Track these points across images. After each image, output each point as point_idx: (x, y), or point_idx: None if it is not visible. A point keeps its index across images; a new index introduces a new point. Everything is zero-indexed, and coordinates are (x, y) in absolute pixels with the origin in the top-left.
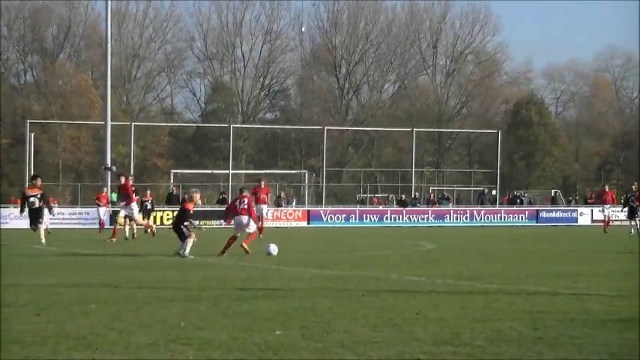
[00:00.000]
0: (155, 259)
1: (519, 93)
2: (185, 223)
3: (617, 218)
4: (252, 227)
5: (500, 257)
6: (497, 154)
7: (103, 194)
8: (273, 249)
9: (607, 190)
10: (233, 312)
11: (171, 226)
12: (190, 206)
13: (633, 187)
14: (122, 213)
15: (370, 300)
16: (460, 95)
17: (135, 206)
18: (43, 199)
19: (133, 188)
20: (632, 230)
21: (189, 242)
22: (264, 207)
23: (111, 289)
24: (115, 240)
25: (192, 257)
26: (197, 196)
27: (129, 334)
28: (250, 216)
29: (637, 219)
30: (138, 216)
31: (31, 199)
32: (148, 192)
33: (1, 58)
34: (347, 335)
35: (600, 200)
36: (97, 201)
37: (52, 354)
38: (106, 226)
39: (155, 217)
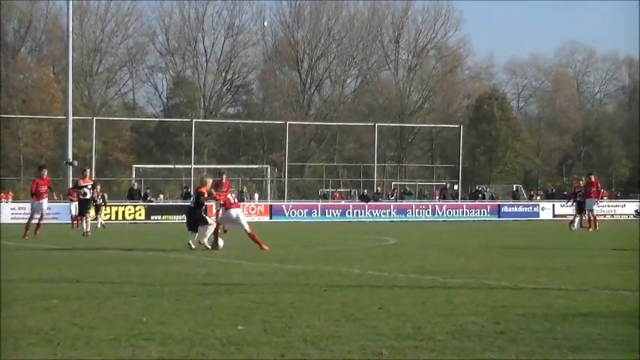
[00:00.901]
0: (116, 254)
1: (481, 88)
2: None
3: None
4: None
5: (462, 252)
6: (459, 148)
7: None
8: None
9: (593, 179)
10: (195, 307)
11: (183, 219)
12: (204, 190)
13: (581, 182)
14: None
15: (332, 295)
16: (422, 90)
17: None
18: (94, 189)
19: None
20: (576, 225)
21: (210, 229)
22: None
23: (72, 284)
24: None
25: (194, 247)
26: (209, 181)
27: (91, 329)
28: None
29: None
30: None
31: (84, 189)
32: (98, 187)
33: None
34: (309, 330)
35: (585, 194)
36: (69, 196)
37: (14, 349)
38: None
39: (117, 212)
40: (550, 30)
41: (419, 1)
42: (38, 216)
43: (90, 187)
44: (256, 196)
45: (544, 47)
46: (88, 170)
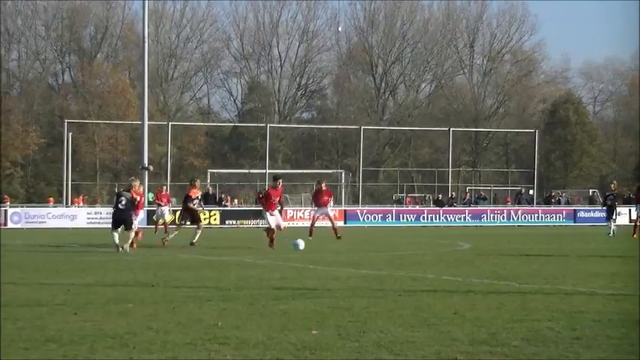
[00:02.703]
0: (191, 259)
1: (557, 92)
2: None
3: None
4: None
5: (537, 257)
6: (534, 153)
7: (164, 193)
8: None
9: None
10: (269, 311)
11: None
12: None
13: (612, 185)
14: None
15: (406, 300)
16: (497, 95)
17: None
18: (202, 199)
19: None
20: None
21: (131, 235)
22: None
23: (148, 289)
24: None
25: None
26: (136, 183)
27: (166, 333)
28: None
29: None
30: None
31: (194, 201)
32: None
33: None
34: (383, 335)
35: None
36: (157, 200)
37: (90, 352)
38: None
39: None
40: (626, 33)
41: (494, 4)
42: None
43: (200, 197)
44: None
45: (620, 51)
46: (198, 181)
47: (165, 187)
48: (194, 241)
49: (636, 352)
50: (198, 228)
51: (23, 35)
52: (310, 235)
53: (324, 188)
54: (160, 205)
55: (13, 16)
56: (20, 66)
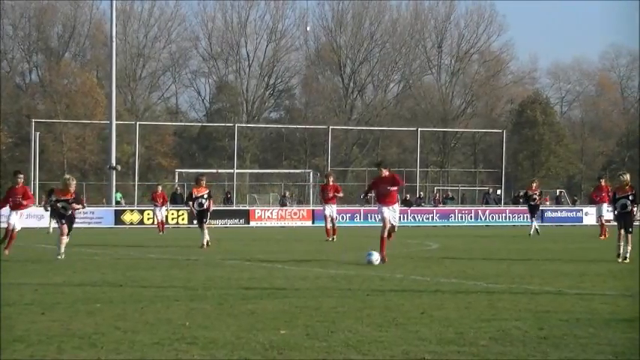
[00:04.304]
0: (159, 259)
1: (524, 92)
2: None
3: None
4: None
5: (505, 257)
6: (502, 153)
7: (159, 193)
8: (376, 259)
9: (603, 184)
10: (238, 311)
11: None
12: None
13: (533, 185)
14: None
15: (375, 299)
16: (465, 95)
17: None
18: (210, 198)
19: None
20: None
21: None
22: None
23: (116, 289)
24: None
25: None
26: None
27: (134, 333)
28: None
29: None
30: None
31: (200, 200)
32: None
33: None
34: (352, 334)
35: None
36: (153, 201)
37: (58, 353)
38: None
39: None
40: (594, 34)
41: (462, 4)
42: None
43: (206, 196)
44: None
45: (588, 51)
46: (204, 179)
47: (160, 188)
48: (205, 242)
49: (604, 351)
50: (202, 230)
51: None
52: (327, 235)
53: (330, 183)
54: (156, 205)
55: None
56: None
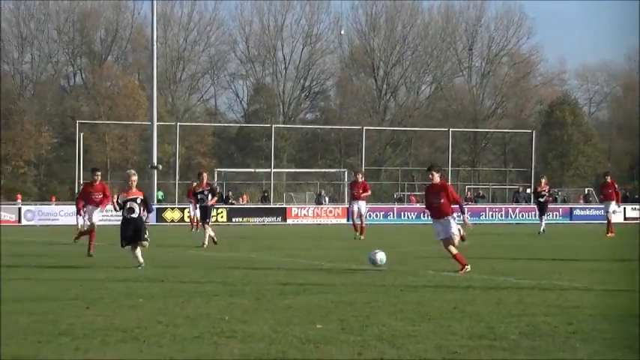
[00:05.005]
0: (199, 255)
1: (553, 93)
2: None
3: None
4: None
5: (535, 254)
6: (531, 153)
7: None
8: (380, 258)
9: (609, 181)
10: (275, 306)
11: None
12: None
13: (542, 181)
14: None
15: (408, 295)
16: (495, 96)
17: None
18: (213, 194)
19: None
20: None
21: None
22: (363, 203)
23: (157, 284)
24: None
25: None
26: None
27: (175, 326)
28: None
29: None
30: None
31: (199, 195)
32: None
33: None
34: (385, 329)
35: (603, 196)
36: (189, 198)
37: (102, 346)
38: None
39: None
40: (619, 35)
41: (492, 8)
42: None
43: (207, 192)
44: (327, 199)
45: (614, 53)
46: (205, 174)
47: (194, 185)
48: (206, 240)
49: (632, 346)
50: (206, 226)
51: (36, 38)
52: (356, 231)
53: (359, 180)
54: (191, 202)
55: (26, 19)
56: (33, 68)
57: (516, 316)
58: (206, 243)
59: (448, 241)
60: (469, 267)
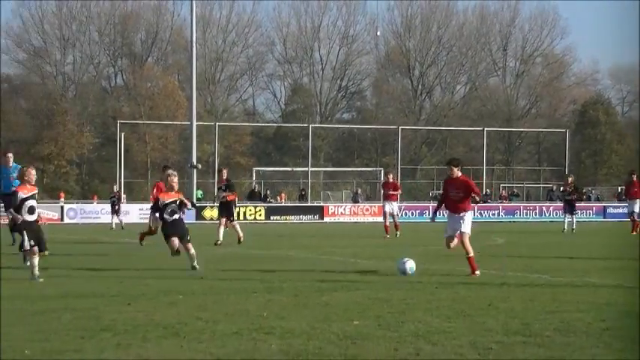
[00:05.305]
0: (237, 252)
1: (586, 93)
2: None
3: None
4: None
5: (568, 251)
6: (565, 152)
7: None
8: (410, 267)
9: (635, 179)
10: (312, 303)
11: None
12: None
13: (569, 179)
14: None
15: (443, 292)
16: (529, 96)
17: None
18: (229, 189)
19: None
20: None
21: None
22: (395, 203)
23: (196, 281)
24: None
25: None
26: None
27: (214, 323)
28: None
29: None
30: None
31: (218, 191)
32: (115, 187)
33: None
34: (421, 325)
35: (628, 195)
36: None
37: (143, 341)
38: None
39: (239, 213)
40: None
41: (526, 9)
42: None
43: (224, 187)
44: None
45: None
46: (225, 170)
47: None
48: (220, 238)
49: None
50: (231, 224)
51: (78, 40)
52: (387, 231)
53: (390, 180)
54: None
55: (69, 22)
56: (75, 69)
57: (550, 313)
58: (220, 239)
59: (452, 238)
60: (479, 272)
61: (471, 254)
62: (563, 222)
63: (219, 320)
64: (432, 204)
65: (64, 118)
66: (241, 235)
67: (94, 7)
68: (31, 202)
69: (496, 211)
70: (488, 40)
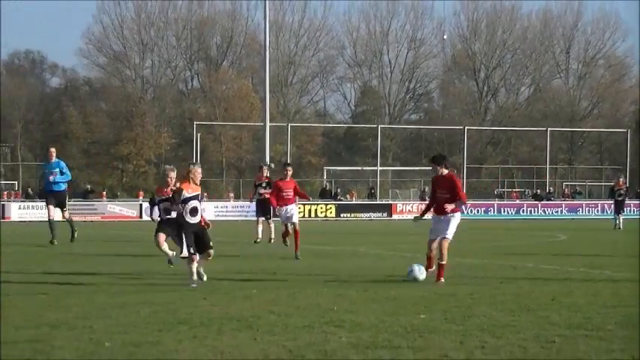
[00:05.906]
0: (309, 249)
1: None
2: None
3: None
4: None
5: (630, 248)
6: (626, 151)
7: None
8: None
9: None
10: (381, 297)
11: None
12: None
13: (620, 180)
14: None
15: (507, 287)
16: (591, 97)
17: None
18: (270, 188)
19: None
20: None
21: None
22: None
23: (270, 276)
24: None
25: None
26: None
27: (287, 316)
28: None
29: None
30: None
31: (258, 188)
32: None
33: None
34: (486, 319)
35: None
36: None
37: (218, 334)
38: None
39: (310, 210)
40: None
41: (589, 12)
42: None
43: (264, 185)
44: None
45: None
46: (265, 168)
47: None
48: (259, 236)
49: None
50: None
51: (156, 45)
52: None
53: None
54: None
55: (147, 27)
56: (153, 73)
57: (612, 307)
58: (259, 237)
59: (434, 241)
60: (443, 280)
61: (445, 262)
62: (614, 220)
63: (291, 314)
64: (497, 202)
65: (143, 119)
66: (273, 236)
67: (171, 12)
68: (194, 203)
69: (559, 209)
70: (552, 42)
